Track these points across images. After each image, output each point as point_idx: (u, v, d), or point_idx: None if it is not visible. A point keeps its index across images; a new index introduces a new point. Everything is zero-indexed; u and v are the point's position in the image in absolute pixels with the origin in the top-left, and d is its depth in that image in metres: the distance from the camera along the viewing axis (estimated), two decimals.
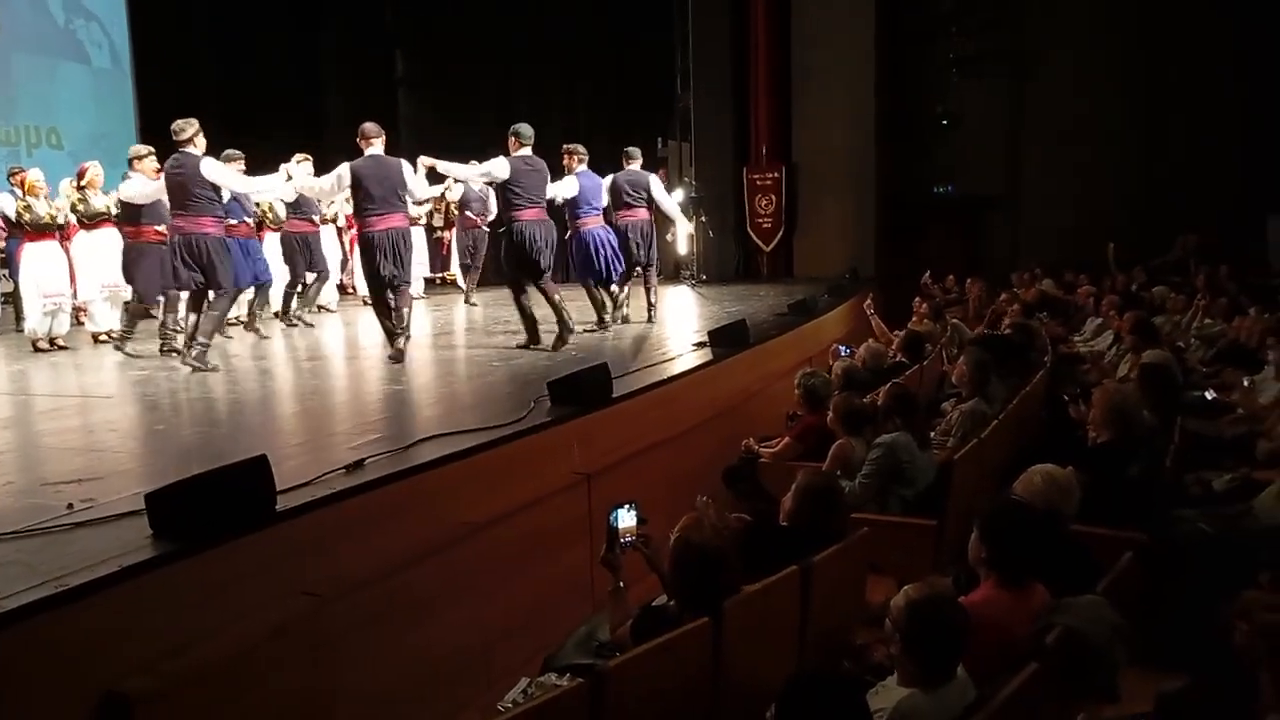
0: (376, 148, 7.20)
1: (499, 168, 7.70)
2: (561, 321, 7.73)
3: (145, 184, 8.01)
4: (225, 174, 7.33)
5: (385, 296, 7.40)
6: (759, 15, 15.01)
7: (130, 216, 8.39)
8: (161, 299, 8.26)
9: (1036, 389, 6.61)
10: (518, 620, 4.39)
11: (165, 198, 7.61)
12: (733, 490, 5.84)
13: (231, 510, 3.35)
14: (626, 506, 3.62)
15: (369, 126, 7.24)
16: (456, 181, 11.15)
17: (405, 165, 7.32)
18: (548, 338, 7.82)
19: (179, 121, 7.12)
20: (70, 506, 3.66)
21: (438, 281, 14.11)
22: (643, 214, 9.37)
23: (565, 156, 8.81)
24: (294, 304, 10.34)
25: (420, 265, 13.43)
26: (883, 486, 4.91)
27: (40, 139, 12.40)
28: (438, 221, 13.70)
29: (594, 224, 8.83)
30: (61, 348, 8.80)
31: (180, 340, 7.71)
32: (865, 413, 5.36)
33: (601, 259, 8.77)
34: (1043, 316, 10.20)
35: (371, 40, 15.94)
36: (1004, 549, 3.07)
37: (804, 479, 3.89)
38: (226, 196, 7.54)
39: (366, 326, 10.47)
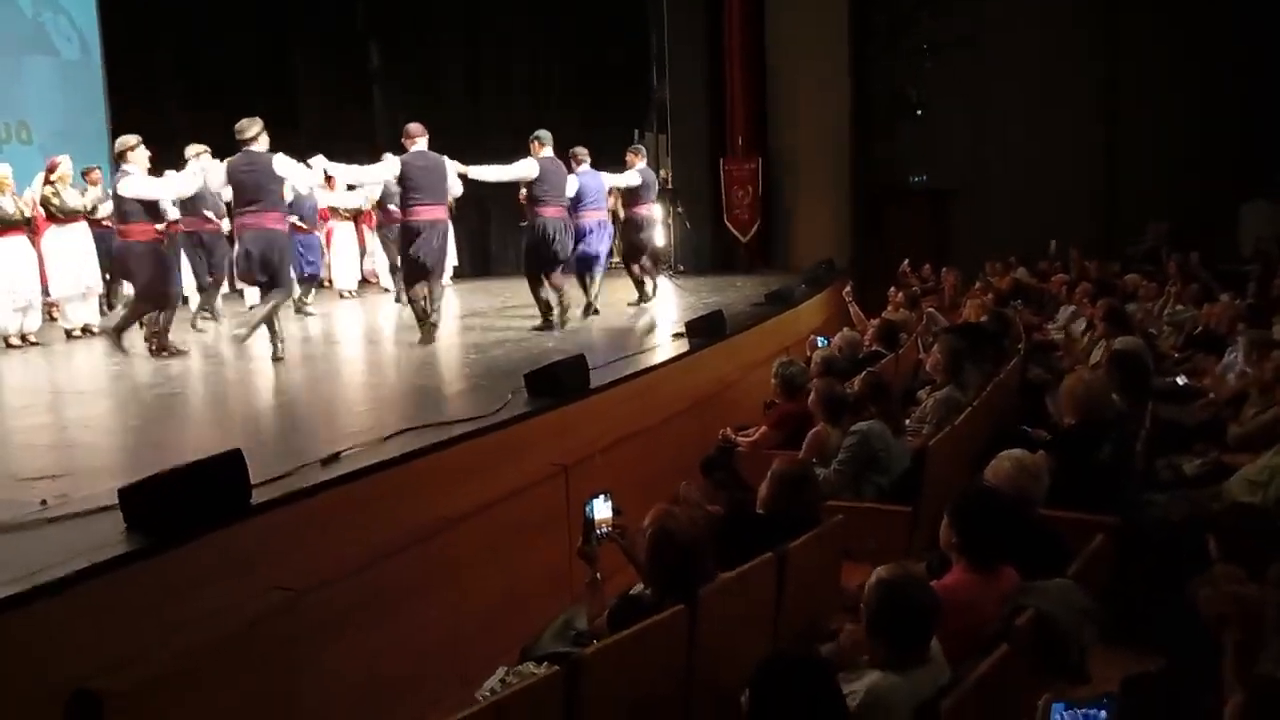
0: (421, 144, 7.68)
1: (529, 169, 8.26)
2: (562, 309, 8.40)
3: (151, 181, 7.69)
4: (294, 169, 7.36)
5: (420, 284, 7.79)
6: (734, 5, 14.99)
7: (130, 214, 7.53)
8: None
9: (1010, 376, 6.66)
10: (495, 611, 4.39)
11: (171, 195, 7.80)
12: (710, 479, 5.86)
13: (206, 505, 3.34)
14: (601, 497, 3.63)
15: (413, 126, 7.71)
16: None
17: (448, 162, 7.84)
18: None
19: (244, 121, 7.15)
20: (44, 502, 3.65)
21: None
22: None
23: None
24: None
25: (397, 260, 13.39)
26: (857, 473, 4.94)
27: (10, 134, 12.23)
28: None
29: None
30: (34, 344, 8.73)
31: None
32: (846, 400, 5.38)
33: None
34: (1017, 304, 10.27)
35: (345, 32, 15.82)
36: (973, 533, 3.11)
37: (779, 467, 3.92)
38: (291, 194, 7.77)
39: (340, 321, 10.45)
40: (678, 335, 7.55)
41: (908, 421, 5.76)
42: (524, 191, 8.57)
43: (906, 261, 13.11)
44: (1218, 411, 6.08)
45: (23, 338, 8.69)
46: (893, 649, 2.65)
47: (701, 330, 7.43)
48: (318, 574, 3.54)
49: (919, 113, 15.17)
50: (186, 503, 3.29)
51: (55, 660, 2.76)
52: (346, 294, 12.46)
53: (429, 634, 4.06)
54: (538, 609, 4.21)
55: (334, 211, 12.34)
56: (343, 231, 12.55)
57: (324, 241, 12.45)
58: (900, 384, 7.04)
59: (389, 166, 7.83)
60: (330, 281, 12.62)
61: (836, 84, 14.60)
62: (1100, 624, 2.88)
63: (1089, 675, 2.82)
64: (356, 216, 12.87)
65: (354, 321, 10.52)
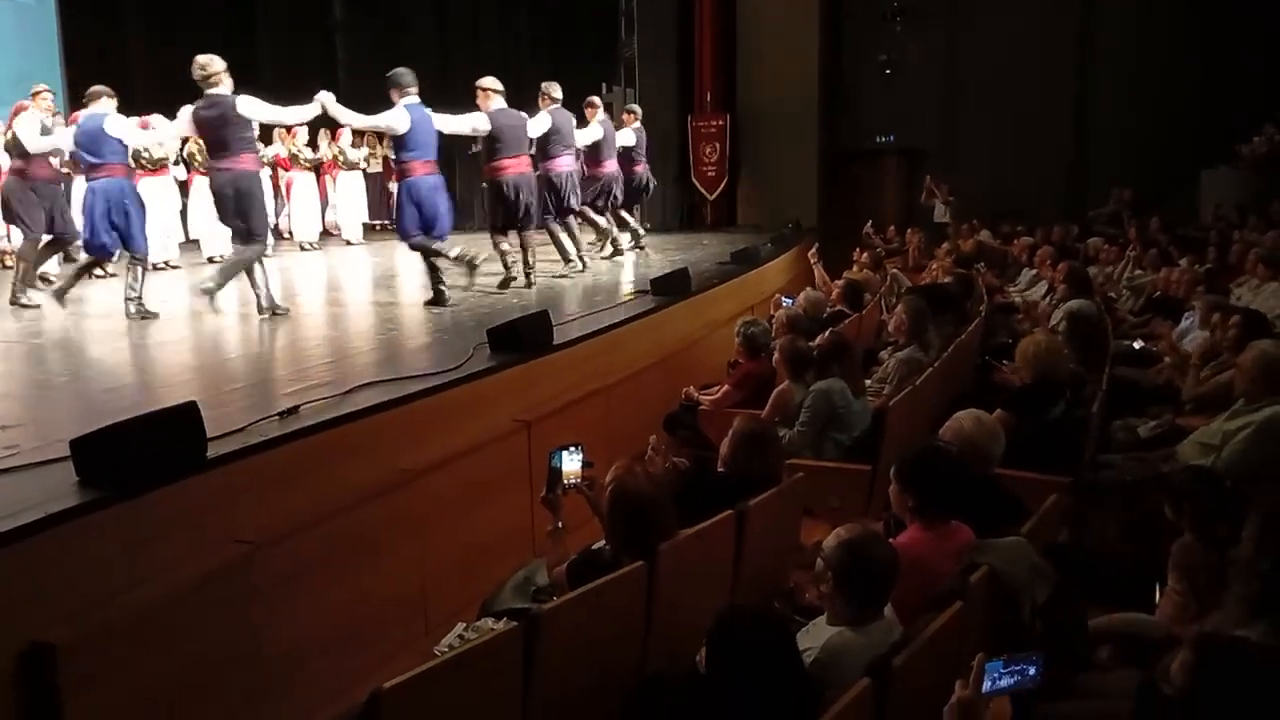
0: (500, 101, 7.87)
1: (481, 121, 8.16)
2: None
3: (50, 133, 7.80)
4: (260, 108, 6.77)
5: (506, 235, 8.06)
6: None
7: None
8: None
9: (971, 338, 6.72)
10: (455, 567, 4.38)
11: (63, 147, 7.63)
12: (674, 437, 5.88)
13: (160, 457, 3.29)
14: (571, 449, 3.61)
15: (488, 81, 7.88)
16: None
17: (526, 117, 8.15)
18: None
19: (202, 58, 6.47)
20: None
21: (377, 228, 13.93)
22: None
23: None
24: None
25: (359, 211, 13.25)
26: (819, 432, 4.97)
27: None
28: (376, 169, 13.46)
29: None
30: None
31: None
32: (810, 357, 5.40)
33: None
34: (980, 267, 10.35)
35: None
36: (925, 492, 3.14)
37: (740, 425, 3.93)
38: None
39: (303, 272, 10.32)
40: (642, 292, 7.53)
41: (869, 382, 5.79)
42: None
43: (870, 223, 13.17)
44: (1173, 375, 6.17)
45: None
46: (853, 604, 2.68)
47: (666, 288, 7.41)
48: (276, 528, 3.52)
49: (888, 73, 15.13)
50: (140, 455, 3.24)
51: (8, 613, 2.72)
52: (308, 246, 12.28)
53: (389, 588, 4.05)
54: (498, 564, 4.21)
55: (294, 161, 12.14)
56: (303, 182, 12.35)
57: (285, 191, 12.29)
58: (864, 344, 7.08)
59: (476, 119, 7.80)
60: (291, 233, 12.45)
61: (806, 42, 14.54)
62: (1051, 581, 2.92)
63: (1039, 630, 2.86)
64: (318, 167, 12.69)
65: (316, 274, 10.39)
